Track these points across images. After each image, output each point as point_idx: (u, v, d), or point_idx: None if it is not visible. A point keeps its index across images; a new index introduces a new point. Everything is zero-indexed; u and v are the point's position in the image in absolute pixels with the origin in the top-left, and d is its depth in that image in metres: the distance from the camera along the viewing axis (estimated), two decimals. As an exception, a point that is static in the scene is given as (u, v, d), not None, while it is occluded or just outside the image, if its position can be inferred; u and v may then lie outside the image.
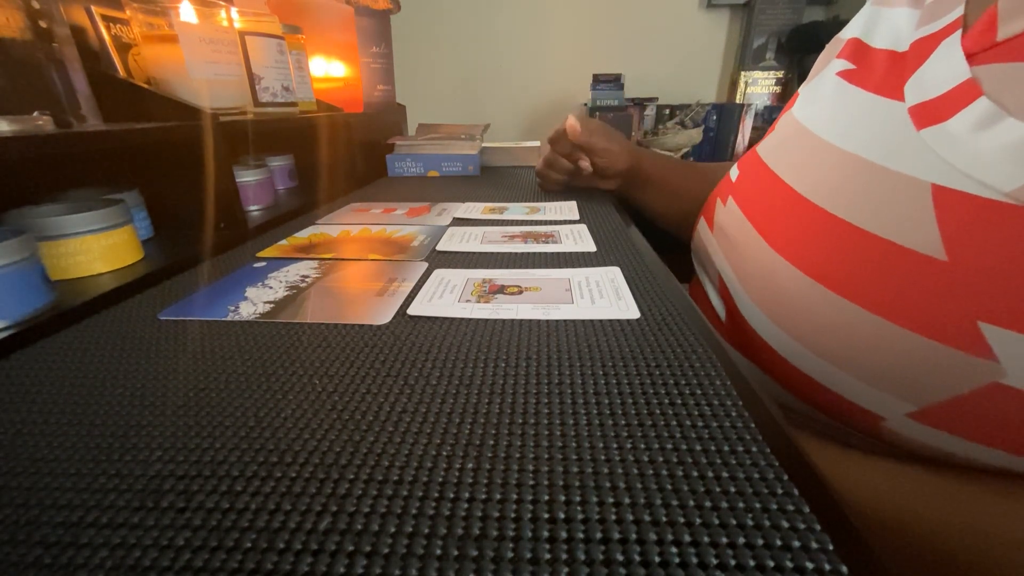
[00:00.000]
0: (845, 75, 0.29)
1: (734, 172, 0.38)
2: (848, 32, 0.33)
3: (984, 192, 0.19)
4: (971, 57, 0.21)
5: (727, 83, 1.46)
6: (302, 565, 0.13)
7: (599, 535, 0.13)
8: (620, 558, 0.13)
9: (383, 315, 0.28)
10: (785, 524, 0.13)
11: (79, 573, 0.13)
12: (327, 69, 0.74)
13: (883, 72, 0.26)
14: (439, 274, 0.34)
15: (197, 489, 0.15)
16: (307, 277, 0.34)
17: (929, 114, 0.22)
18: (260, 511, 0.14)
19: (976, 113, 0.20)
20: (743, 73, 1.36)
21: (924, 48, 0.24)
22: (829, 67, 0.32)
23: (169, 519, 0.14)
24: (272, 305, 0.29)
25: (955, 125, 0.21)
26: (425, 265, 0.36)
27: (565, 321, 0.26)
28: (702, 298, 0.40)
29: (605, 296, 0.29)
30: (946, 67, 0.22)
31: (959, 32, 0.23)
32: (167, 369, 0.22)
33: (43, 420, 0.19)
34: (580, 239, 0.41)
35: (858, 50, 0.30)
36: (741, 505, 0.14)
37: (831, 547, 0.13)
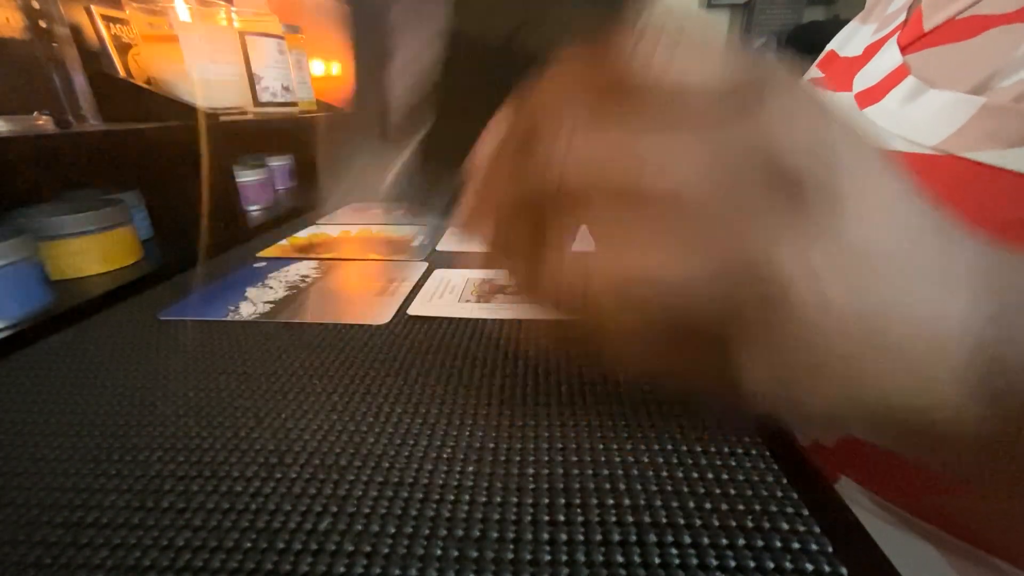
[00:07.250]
0: (814, 83, 0.35)
1: None
2: (831, 44, 0.37)
3: (913, 148, 0.23)
4: (904, 48, 0.26)
5: (727, 83, 1.46)
6: (302, 565, 0.13)
7: (599, 537, 0.13)
8: (620, 560, 0.13)
9: (383, 315, 0.28)
10: (785, 526, 0.13)
11: (79, 573, 0.13)
12: (327, 69, 0.74)
13: (840, 74, 0.31)
14: (439, 274, 0.34)
15: (197, 489, 0.15)
16: (307, 277, 0.34)
17: (869, 98, 0.27)
18: (260, 512, 0.14)
19: (904, 90, 0.25)
20: (743, 73, 1.36)
21: (873, 50, 0.29)
22: (806, 75, 0.37)
23: (169, 519, 0.14)
24: (272, 305, 0.29)
25: (888, 102, 0.25)
26: (425, 265, 0.36)
27: (565, 322, 0.26)
28: None
29: (605, 297, 0.29)
30: (885, 59, 0.27)
31: (899, 33, 0.27)
32: (167, 369, 0.22)
33: (43, 420, 0.19)
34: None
35: (830, 60, 0.35)
36: (741, 507, 0.14)
37: (831, 549, 0.13)
